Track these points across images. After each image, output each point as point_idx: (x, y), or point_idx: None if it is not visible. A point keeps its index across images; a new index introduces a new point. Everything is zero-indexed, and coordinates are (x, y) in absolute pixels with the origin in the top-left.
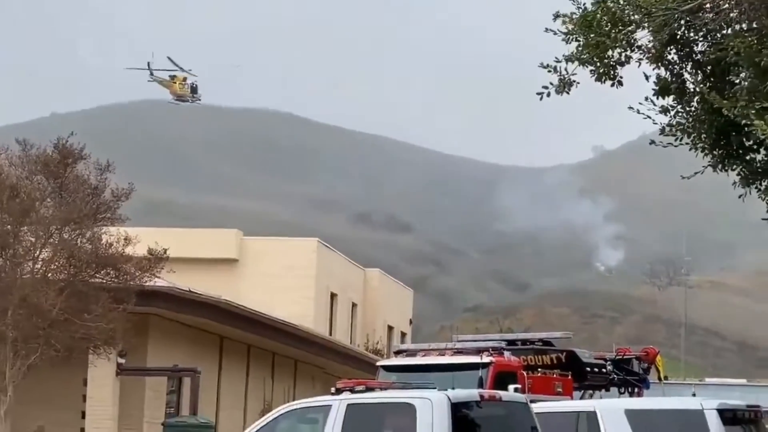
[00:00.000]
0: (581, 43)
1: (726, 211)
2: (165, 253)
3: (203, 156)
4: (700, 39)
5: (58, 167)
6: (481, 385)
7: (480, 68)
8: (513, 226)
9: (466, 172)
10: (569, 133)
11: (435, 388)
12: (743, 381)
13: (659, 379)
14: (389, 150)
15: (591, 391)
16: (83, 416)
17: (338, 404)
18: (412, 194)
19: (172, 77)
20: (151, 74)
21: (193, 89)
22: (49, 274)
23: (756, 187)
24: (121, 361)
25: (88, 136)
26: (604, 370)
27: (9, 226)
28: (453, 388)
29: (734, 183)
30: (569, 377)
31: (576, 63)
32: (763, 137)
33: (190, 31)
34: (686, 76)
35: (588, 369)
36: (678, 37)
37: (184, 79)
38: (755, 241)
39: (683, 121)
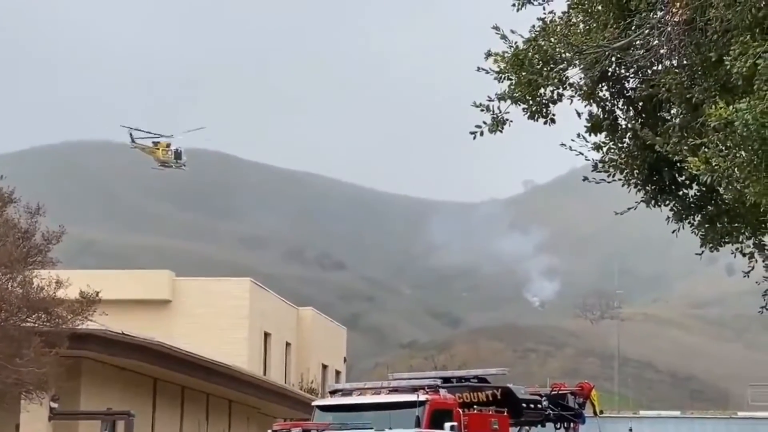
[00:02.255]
0: (513, 81)
1: (657, 244)
2: (97, 295)
3: (134, 196)
4: (632, 76)
5: None
6: (417, 424)
7: (410, 105)
8: (445, 261)
9: (397, 208)
10: (500, 168)
11: (372, 428)
12: (677, 413)
13: (594, 413)
14: (320, 187)
15: (527, 427)
16: None
17: None
18: (344, 231)
19: (155, 143)
20: (133, 141)
21: (177, 155)
22: None
23: (689, 222)
24: (54, 405)
25: (18, 179)
26: (539, 405)
27: None
28: (390, 428)
29: (667, 218)
30: (505, 414)
31: (509, 101)
32: (697, 173)
33: (116, 68)
34: (618, 112)
35: (524, 405)
36: (609, 74)
37: (168, 145)
38: (686, 273)
39: (616, 157)
